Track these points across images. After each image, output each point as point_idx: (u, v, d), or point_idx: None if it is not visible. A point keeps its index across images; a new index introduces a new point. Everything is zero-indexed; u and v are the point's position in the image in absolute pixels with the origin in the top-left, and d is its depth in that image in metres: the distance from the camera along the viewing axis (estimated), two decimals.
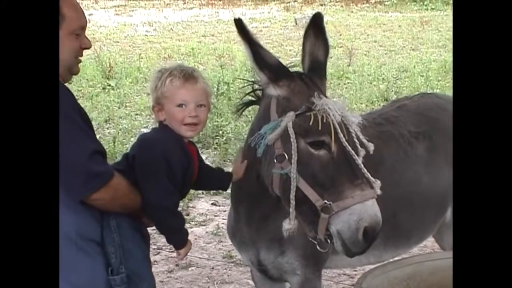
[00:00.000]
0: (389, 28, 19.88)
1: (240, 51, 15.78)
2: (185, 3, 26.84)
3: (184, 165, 3.23)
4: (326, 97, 3.15)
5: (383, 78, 13.06)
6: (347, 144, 3.07)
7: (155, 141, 3.23)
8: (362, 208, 3.04)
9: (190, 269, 6.02)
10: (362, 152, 3.15)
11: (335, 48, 16.66)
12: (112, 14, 24.07)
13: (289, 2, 25.94)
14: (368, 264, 3.96)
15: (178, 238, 3.30)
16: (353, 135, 3.14)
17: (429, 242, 4.80)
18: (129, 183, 3.14)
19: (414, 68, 13.76)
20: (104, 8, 25.80)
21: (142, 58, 15.15)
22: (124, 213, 3.21)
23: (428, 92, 7.79)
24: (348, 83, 12.90)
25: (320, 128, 3.06)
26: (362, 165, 3.09)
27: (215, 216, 7.11)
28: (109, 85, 12.62)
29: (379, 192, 3.10)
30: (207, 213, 7.20)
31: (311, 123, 3.07)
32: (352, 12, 23.63)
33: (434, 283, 3.52)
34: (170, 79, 3.24)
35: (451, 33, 15.14)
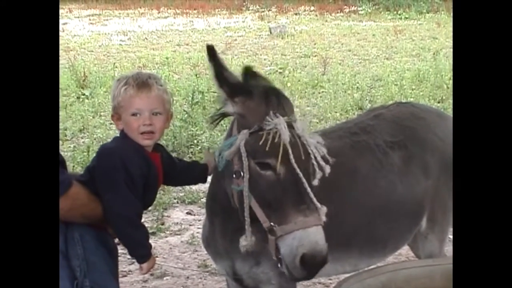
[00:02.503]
0: (363, 37, 19.99)
1: None
2: (159, 12, 26.84)
3: (144, 173, 3.21)
4: (288, 115, 3.13)
5: (357, 87, 13.11)
6: (296, 167, 3.04)
7: (113, 150, 3.22)
8: (304, 234, 3.03)
9: (165, 278, 5.99)
10: (319, 175, 3.13)
11: (309, 57, 16.75)
12: (86, 23, 24.02)
13: (263, 11, 26.03)
14: (344, 273, 3.97)
15: (140, 251, 3.27)
16: (312, 156, 3.12)
17: (404, 250, 4.82)
18: (89, 193, 3.13)
19: (388, 77, 13.83)
20: (78, 17, 25.74)
21: (116, 67, 15.09)
22: (88, 225, 3.20)
23: (404, 101, 7.83)
24: (322, 92, 12.93)
25: (267, 149, 3.05)
26: (309, 190, 3.07)
27: (190, 225, 7.08)
28: (84, 95, 12.57)
29: (323, 219, 3.08)
30: (182, 222, 7.18)
31: (260, 143, 3.06)
32: (326, 21, 23.74)
33: None
34: (124, 88, 3.23)
35: (424, 42, 15.29)
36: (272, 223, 3.06)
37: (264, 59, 16.52)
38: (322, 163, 3.12)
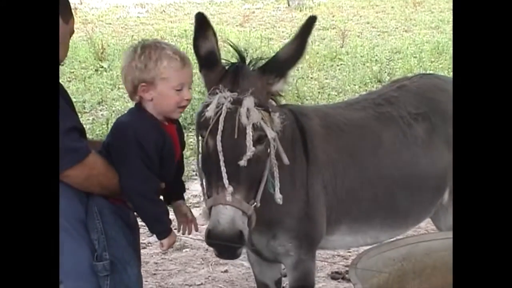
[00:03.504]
0: (382, 9, 19.81)
1: (233, 32, 15.75)
2: None
3: (159, 147, 3.20)
4: (241, 91, 3.14)
5: (376, 60, 13.03)
6: (218, 143, 3.06)
7: (128, 125, 3.22)
8: (214, 211, 3.08)
9: (184, 250, 6.03)
10: (247, 156, 3.08)
11: (328, 29, 16.63)
12: None
13: None
14: (365, 245, 3.96)
15: (158, 227, 3.27)
16: (248, 138, 3.09)
17: (423, 223, 4.80)
18: (107, 163, 3.15)
19: (407, 50, 13.73)
20: None
21: (134, 40, 14.99)
22: (107, 198, 3.22)
23: (428, 72, 7.77)
24: (341, 64, 12.86)
25: (201, 120, 3.14)
26: (223, 167, 3.05)
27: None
28: (102, 67, 12.56)
29: (228, 199, 3.05)
30: (201, 194, 7.15)
31: (201, 115, 3.15)
32: None
33: (428, 264, 3.54)
34: (167, 61, 3.21)
35: (443, 14, 15.13)
36: (207, 195, 3.16)
37: (282, 32, 16.43)
38: (250, 145, 3.08)
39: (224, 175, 3.05)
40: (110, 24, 18.17)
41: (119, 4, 21.49)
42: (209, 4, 21.29)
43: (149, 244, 6.07)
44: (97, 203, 3.21)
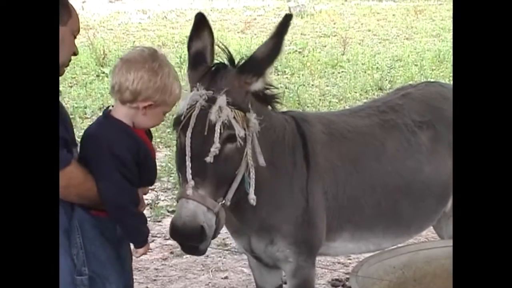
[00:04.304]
0: (383, 17, 19.84)
1: (234, 39, 15.76)
2: None
3: (134, 154, 3.16)
4: (217, 90, 3.20)
5: (377, 67, 13.05)
6: (187, 139, 3.13)
7: (99, 136, 3.16)
8: (178, 204, 3.16)
9: (184, 257, 6.02)
10: (213, 153, 3.12)
11: (329, 37, 16.67)
12: (105, 1, 23.93)
13: None
14: (367, 252, 3.97)
15: (136, 238, 3.27)
16: (216, 134, 3.13)
17: (424, 231, 4.80)
18: (87, 173, 3.10)
19: (408, 57, 13.75)
20: None
21: (136, 45, 15.09)
22: (88, 211, 3.19)
23: (432, 80, 7.78)
24: (342, 72, 12.88)
25: (176, 117, 3.21)
26: (188, 163, 3.12)
27: None
28: (103, 73, 12.58)
29: (188, 192, 3.10)
30: None
31: (177, 111, 3.23)
32: (346, 0, 23.53)
33: (429, 272, 3.55)
34: (179, 89, 3.23)
35: (445, 22, 15.14)
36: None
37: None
38: (217, 142, 3.12)
39: (188, 170, 3.12)
40: (112, 29, 18.21)
41: (120, 10, 21.55)
42: (211, 10, 21.32)
43: (150, 250, 6.05)
44: (78, 217, 3.19)
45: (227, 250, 6.05)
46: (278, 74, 12.51)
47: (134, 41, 15.59)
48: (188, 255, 5.99)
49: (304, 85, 11.76)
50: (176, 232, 3.12)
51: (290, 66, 12.99)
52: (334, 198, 3.72)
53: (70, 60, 3.28)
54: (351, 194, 3.77)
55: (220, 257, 6.02)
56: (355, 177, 3.79)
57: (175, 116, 3.24)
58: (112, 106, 3.29)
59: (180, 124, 3.19)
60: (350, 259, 5.78)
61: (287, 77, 12.43)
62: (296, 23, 18.71)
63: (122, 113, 3.20)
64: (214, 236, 3.22)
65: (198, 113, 3.14)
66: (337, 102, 10.78)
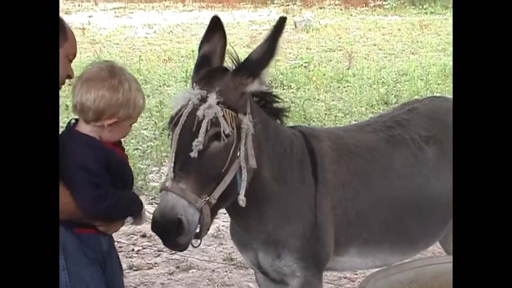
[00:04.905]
0: (388, 31, 19.88)
1: (240, 53, 15.71)
2: (184, 5, 26.82)
3: (102, 163, 3.16)
4: (210, 89, 3.24)
5: (382, 82, 13.07)
6: (175, 136, 3.21)
7: (65, 152, 3.09)
8: (160, 196, 3.25)
9: (190, 271, 6.03)
10: (197, 148, 3.15)
11: (334, 51, 16.69)
12: (111, 16, 24.06)
13: (288, 5, 25.93)
14: (374, 267, 3.96)
15: (134, 212, 3.32)
16: (201, 130, 3.17)
17: (430, 247, 4.80)
18: (62, 188, 3.05)
19: (413, 72, 13.76)
20: (104, 10, 25.77)
21: (142, 60, 15.13)
22: (72, 229, 3.18)
23: (438, 95, 7.78)
24: (347, 86, 12.90)
25: (171, 115, 3.28)
26: (173, 158, 3.20)
27: (216, 218, 7.05)
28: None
29: (167, 184, 3.16)
30: None
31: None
32: (351, 15, 23.61)
33: (436, 287, 3.53)
34: (143, 100, 3.28)
35: (450, 37, 15.14)
36: None
37: (289, 53, 16.48)
38: (201, 137, 3.16)
39: (171, 164, 3.18)
40: (118, 44, 18.25)
41: (127, 25, 21.62)
42: None
43: (156, 265, 6.08)
44: (60, 240, 3.08)
45: (233, 264, 6.06)
46: (284, 88, 12.53)
47: (140, 56, 15.62)
48: (194, 269, 6.00)
49: (309, 99, 11.77)
50: (154, 224, 3.17)
51: (296, 81, 13.00)
52: (343, 213, 3.72)
53: (63, 83, 3.29)
54: (359, 209, 3.77)
55: (226, 271, 6.02)
56: (363, 192, 3.79)
57: (170, 116, 3.30)
58: (76, 119, 3.28)
59: (172, 121, 3.25)
60: (356, 274, 5.77)
61: (292, 92, 12.45)
62: (301, 37, 18.78)
63: (87, 130, 3.21)
64: (200, 234, 3.25)
65: (190, 111, 3.20)
66: (342, 117, 10.78)
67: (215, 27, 3.47)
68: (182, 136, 3.19)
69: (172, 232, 3.15)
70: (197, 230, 3.23)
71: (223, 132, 3.18)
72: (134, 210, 3.31)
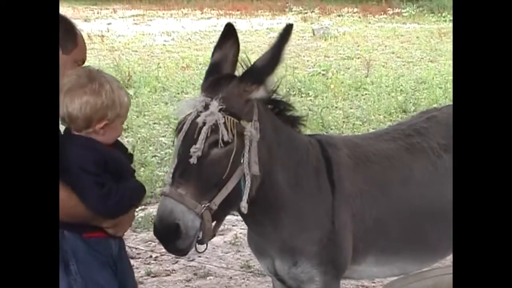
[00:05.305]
0: (407, 39, 19.86)
1: None
2: (202, 13, 26.95)
3: (101, 164, 3.17)
4: (214, 96, 3.25)
5: (401, 90, 13.04)
6: (177, 143, 3.25)
7: (67, 157, 3.09)
8: (160, 201, 3.26)
9: (208, 278, 6.03)
10: (195, 154, 3.16)
11: (352, 59, 16.69)
12: (130, 23, 24.21)
13: (306, 13, 25.98)
14: (392, 276, 3.94)
15: (137, 201, 3.36)
16: (201, 137, 3.19)
17: (449, 255, 4.78)
18: (69, 192, 3.08)
19: (432, 80, 13.72)
20: (122, 17, 25.95)
21: (160, 67, 15.21)
22: (80, 234, 3.18)
23: None
24: (366, 94, 12.88)
25: (177, 123, 3.31)
26: (174, 164, 3.25)
27: (233, 225, 7.11)
28: (128, 94, 12.66)
29: (165, 189, 3.21)
30: (225, 222, 7.11)
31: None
32: (369, 23, 23.63)
33: None
34: (126, 97, 3.27)
35: None
36: None
37: (307, 61, 16.50)
38: (200, 144, 3.17)
39: (171, 170, 3.22)
40: (137, 51, 18.35)
41: (145, 32, 21.74)
42: None
43: (173, 271, 6.09)
44: (70, 244, 3.17)
45: (251, 272, 6.06)
46: (302, 96, 12.54)
47: (158, 63, 15.69)
48: (211, 277, 6.01)
49: (327, 107, 11.77)
50: (154, 228, 3.22)
51: (314, 88, 13.01)
52: (360, 221, 3.71)
53: None
54: (377, 217, 3.76)
55: (243, 279, 6.01)
56: (381, 201, 3.78)
57: (177, 122, 3.32)
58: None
59: (177, 128, 3.30)
60: (374, 283, 5.75)
61: (310, 99, 12.45)
62: (319, 45, 18.79)
63: (86, 134, 3.23)
64: (203, 240, 3.25)
65: (193, 118, 3.21)
66: (360, 125, 10.77)
67: (228, 34, 3.48)
68: (184, 143, 3.21)
69: (170, 236, 3.17)
70: (200, 236, 3.24)
71: (222, 139, 3.18)
72: (139, 198, 3.33)
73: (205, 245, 3.30)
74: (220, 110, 3.19)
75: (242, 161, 3.25)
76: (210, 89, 3.31)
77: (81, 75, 3.19)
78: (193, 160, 3.15)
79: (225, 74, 3.41)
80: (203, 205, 3.17)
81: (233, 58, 3.46)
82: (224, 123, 3.18)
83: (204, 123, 3.17)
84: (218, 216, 3.31)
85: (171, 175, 3.20)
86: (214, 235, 3.31)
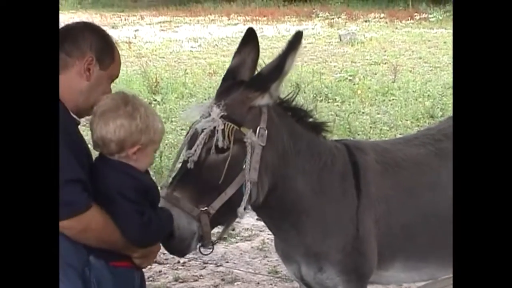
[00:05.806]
0: (434, 44, 19.79)
1: None
2: (229, 19, 27.01)
3: (141, 192, 3.10)
4: (220, 105, 3.26)
5: (428, 95, 12.98)
6: (181, 149, 3.31)
7: (107, 183, 3.06)
8: None
9: (235, 283, 6.04)
10: (191, 159, 3.20)
11: (379, 64, 16.65)
12: (157, 30, 24.33)
13: (333, 18, 25.95)
14: (420, 281, 3.94)
15: (169, 229, 3.24)
16: (197, 142, 3.22)
17: None
18: (107, 217, 3.01)
19: None
20: (149, 24, 26.08)
21: (187, 73, 15.26)
22: (107, 262, 3.12)
23: None
24: (393, 99, 12.85)
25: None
26: (173, 169, 3.34)
27: (260, 231, 7.11)
28: (155, 100, 12.74)
29: (161, 192, 3.21)
30: (253, 228, 7.21)
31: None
32: (396, 28, 23.56)
33: None
34: (161, 124, 3.19)
35: None
36: None
37: (334, 66, 16.49)
38: (193, 149, 3.21)
39: (171, 173, 3.28)
40: (164, 58, 18.44)
41: (172, 38, 21.84)
42: (261, 38, 21.29)
43: (201, 277, 6.11)
44: (95, 272, 3.10)
45: (278, 277, 6.06)
46: (329, 102, 12.54)
47: (185, 69, 15.75)
48: (239, 282, 6.02)
49: (354, 112, 11.76)
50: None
51: (341, 94, 13.00)
52: (388, 227, 3.70)
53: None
54: (404, 223, 3.74)
55: (271, 284, 6.02)
56: (409, 206, 3.77)
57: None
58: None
59: (187, 134, 3.35)
60: (401, 287, 5.73)
61: (337, 105, 12.44)
62: (346, 50, 18.77)
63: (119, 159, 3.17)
64: (205, 243, 3.30)
65: (197, 123, 3.27)
66: (388, 130, 10.74)
67: (248, 39, 3.51)
68: (186, 148, 3.27)
69: (164, 237, 3.21)
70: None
71: (216, 145, 3.20)
72: (171, 227, 3.25)
73: (210, 248, 3.36)
74: (221, 117, 3.22)
75: (244, 167, 3.27)
76: (219, 95, 3.35)
77: (116, 98, 3.14)
78: (189, 165, 3.20)
79: (238, 80, 3.43)
80: (200, 209, 3.21)
81: (251, 64, 3.47)
82: (223, 129, 3.21)
83: (203, 129, 3.22)
84: (222, 220, 3.38)
85: (169, 178, 3.28)
86: (221, 238, 3.34)
